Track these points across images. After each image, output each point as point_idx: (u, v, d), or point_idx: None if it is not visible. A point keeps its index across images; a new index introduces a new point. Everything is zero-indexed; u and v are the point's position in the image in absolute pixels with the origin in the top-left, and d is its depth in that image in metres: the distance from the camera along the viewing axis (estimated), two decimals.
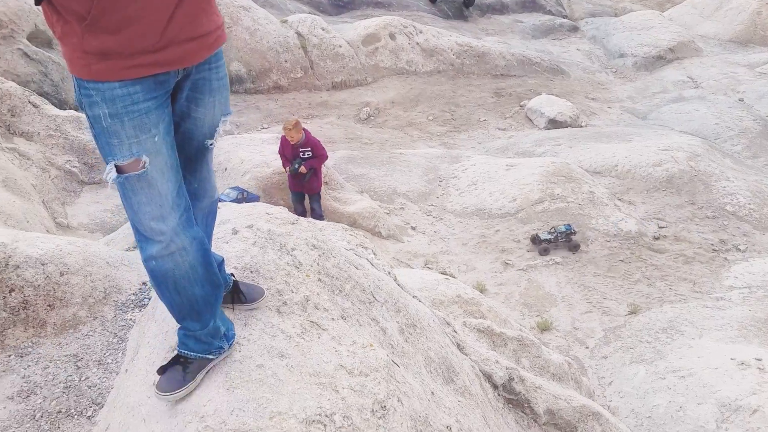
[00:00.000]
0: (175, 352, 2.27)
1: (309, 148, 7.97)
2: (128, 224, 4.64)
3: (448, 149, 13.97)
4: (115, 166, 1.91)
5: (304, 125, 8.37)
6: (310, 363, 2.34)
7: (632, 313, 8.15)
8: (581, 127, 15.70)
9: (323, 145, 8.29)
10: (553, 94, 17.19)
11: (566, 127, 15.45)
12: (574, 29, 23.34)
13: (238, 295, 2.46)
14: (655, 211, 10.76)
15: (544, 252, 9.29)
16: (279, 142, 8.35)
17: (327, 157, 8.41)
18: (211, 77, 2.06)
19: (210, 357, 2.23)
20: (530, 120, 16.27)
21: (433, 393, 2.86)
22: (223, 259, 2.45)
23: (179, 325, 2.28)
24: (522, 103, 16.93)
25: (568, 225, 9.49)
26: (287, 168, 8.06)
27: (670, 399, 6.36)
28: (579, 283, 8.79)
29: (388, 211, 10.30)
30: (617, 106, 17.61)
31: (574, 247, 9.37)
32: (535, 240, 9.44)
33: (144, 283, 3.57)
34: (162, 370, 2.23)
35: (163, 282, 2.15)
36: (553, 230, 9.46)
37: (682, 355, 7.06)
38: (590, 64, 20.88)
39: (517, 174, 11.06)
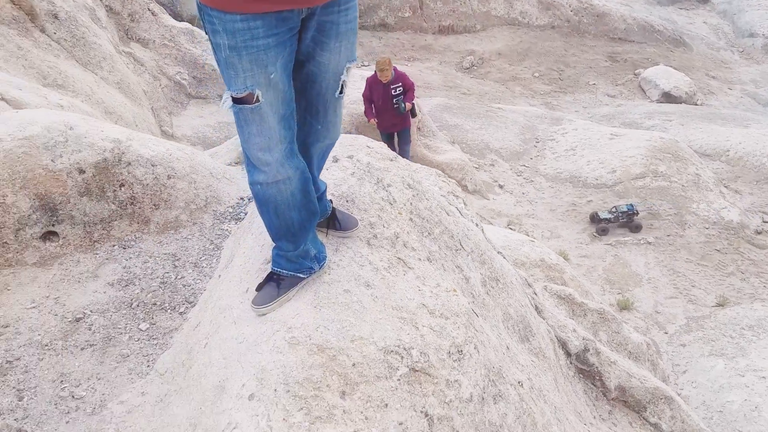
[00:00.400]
0: (270, 269, 2.36)
1: (399, 83, 7.92)
2: (232, 140, 4.79)
3: (550, 110, 13.52)
4: (231, 97, 1.94)
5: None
6: (394, 297, 2.37)
7: (720, 306, 7.78)
8: (696, 105, 14.78)
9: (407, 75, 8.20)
10: (671, 66, 16.19)
11: (680, 102, 14.59)
12: (704, 0, 21.69)
13: (334, 221, 2.51)
14: (762, 204, 10.10)
15: (603, 232, 8.87)
16: (365, 84, 8.20)
17: (414, 85, 8.29)
18: (338, 20, 1.98)
19: (301, 276, 2.30)
20: (643, 90, 15.45)
21: (508, 348, 2.85)
22: (326, 187, 2.49)
23: (274, 244, 2.36)
24: (636, 72, 16.06)
25: (631, 205, 9.02)
26: (372, 120, 8.02)
27: (746, 397, 6.10)
28: (668, 267, 8.44)
29: (477, 165, 10.15)
30: (738, 89, 16.42)
31: (636, 228, 8.91)
32: (594, 218, 9.02)
33: (241, 198, 3.70)
34: (259, 287, 2.33)
35: (264, 205, 2.22)
36: (614, 209, 8.99)
37: (767, 356, 6.71)
38: (716, 39, 19.44)
39: (620, 145, 10.59)
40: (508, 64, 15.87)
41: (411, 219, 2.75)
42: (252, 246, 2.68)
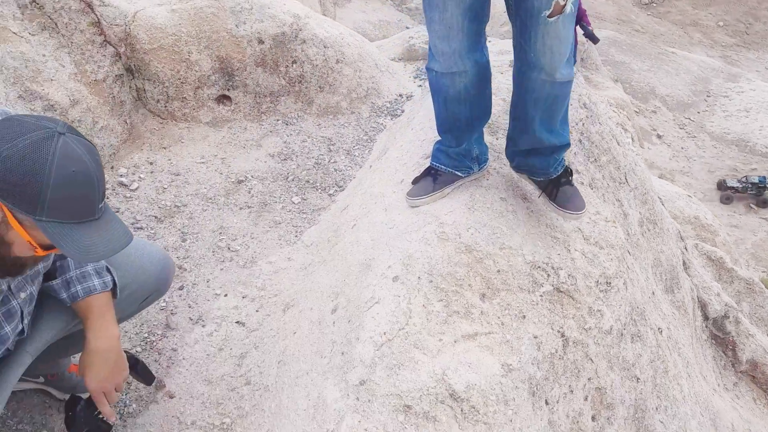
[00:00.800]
0: (428, 163, 2.35)
1: None
2: (400, 34, 4.76)
3: (728, 65, 12.25)
4: None
5: None
6: (550, 215, 2.30)
7: None
8: None
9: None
10: None
11: None
12: None
13: (554, 190, 2.21)
14: None
15: (727, 200, 8.20)
16: None
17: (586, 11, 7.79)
18: None
19: (459, 174, 2.27)
20: None
21: (653, 293, 2.73)
22: (558, 145, 2.14)
23: (437, 139, 2.33)
24: None
25: (763, 177, 8.21)
26: None
27: None
28: None
29: (637, 109, 9.49)
30: None
31: (763, 203, 8.15)
32: (721, 186, 8.34)
33: (400, 95, 3.70)
34: (415, 180, 2.34)
35: (435, 93, 2.18)
36: (744, 179, 8.27)
37: None
38: None
39: None
40: (691, 7, 14.42)
41: (580, 140, 2.62)
42: (411, 140, 2.69)
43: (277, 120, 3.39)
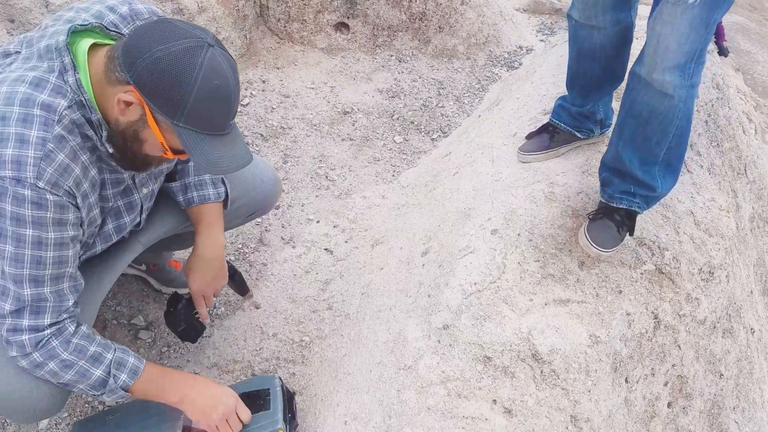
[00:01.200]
0: (547, 120, 2.28)
1: None
2: None
3: None
4: None
5: None
6: (667, 195, 2.20)
7: None
8: None
9: None
10: None
11: None
12: None
13: (600, 217, 1.94)
14: None
15: None
16: None
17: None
18: None
19: (578, 135, 2.19)
20: None
21: (752, 292, 2.60)
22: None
23: (560, 95, 2.25)
24: None
25: None
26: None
27: None
28: None
29: (755, 103, 8.87)
30: None
31: None
32: None
33: (519, 47, 3.58)
34: (530, 136, 2.27)
35: (571, 43, 2.08)
36: None
37: None
38: None
39: None
40: None
41: (706, 122, 2.48)
42: (529, 93, 2.61)
43: (391, 55, 3.35)
